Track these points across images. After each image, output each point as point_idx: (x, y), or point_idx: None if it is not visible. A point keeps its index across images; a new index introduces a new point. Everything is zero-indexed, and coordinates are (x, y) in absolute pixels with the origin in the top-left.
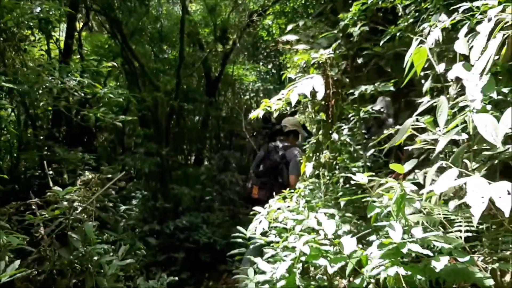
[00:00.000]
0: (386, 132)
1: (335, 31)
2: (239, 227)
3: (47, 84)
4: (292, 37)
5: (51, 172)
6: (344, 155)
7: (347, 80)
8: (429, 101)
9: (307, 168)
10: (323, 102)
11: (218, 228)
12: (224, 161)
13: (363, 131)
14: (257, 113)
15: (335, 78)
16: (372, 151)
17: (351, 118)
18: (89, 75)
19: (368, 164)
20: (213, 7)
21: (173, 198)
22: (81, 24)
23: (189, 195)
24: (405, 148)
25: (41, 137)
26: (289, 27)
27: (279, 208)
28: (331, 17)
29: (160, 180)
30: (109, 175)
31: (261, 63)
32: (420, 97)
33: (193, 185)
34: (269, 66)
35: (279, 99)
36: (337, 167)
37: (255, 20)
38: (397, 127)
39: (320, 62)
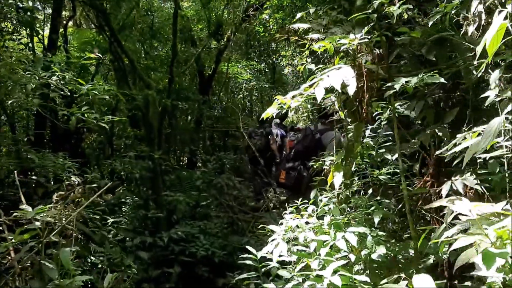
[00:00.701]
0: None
1: (369, 11)
2: (248, 247)
3: (23, 80)
4: (303, 25)
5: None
6: (367, 160)
7: (381, 71)
8: (498, 95)
9: (336, 179)
10: (353, 98)
11: (216, 238)
12: (220, 163)
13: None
14: (271, 111)
15: (368, 69)
16: (396, 155)
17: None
18: (76, 72)
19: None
20: (207, 0)
21: (166, 206)
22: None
23: (184, 202)
24: (437, 152)
25: (22, 141)
26: (298, 15)
27: (297, 226)
28: (344, 4)
29: (152, 186)
30: (94, 185)
31: (255, 61)
32: (467, 91)
33: (188, 190)
34: (262, 65)
35: (297, 96)
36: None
37: (251, 15)
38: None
39: (349, 49)
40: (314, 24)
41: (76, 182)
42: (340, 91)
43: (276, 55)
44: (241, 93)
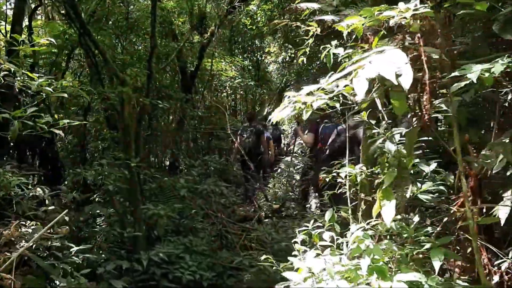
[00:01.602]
0: None
1: None
2: None
3: None
4: (311, 5)
5: None
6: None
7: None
8: None
9: (386, 211)
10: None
11: (204, 257)
12: (206, 168)
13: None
14: (285, 114)
15: (427, 52)
16: (433, 166)
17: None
18: (47, 70)
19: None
20: None
21: (146, 221)
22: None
23: (166, 216)
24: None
25: None
26: None
27: (324, 269)
28: None
29: (129, 198)
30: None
31: (240, 58)
32: None
33: (170, 201)
34: (246, 62)
35: (316, 92)
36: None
37: (237, 6)
38: None
39: (395, 26)
40: (323, 5)
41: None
42: (395, 82)
43: (260, 52)
44: (225, 91)
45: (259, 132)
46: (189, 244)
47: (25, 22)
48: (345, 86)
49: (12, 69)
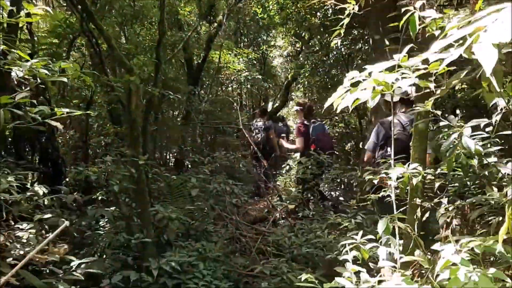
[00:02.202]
0: None
1: None
2: None
3: None
4: None
5: None
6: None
7: None
8: None
9: None
10: None
11: (218, 264)
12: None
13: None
14: (351, 100)
15: None
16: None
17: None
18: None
19: None
20: None
21: (154, 225)
22: None
23: (177, 220)
24: None
25: None
26: None
27: None
28: None
29: (136, 199)
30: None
31: (248, 50)
32: None
33: (179, 201)
34: (253, 55)
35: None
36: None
37: None
38: None
39: None
40: None
41: None
42: None
43: (266, 46)
44: (231, 85)
45: (268, 128)
46: (202, 250)
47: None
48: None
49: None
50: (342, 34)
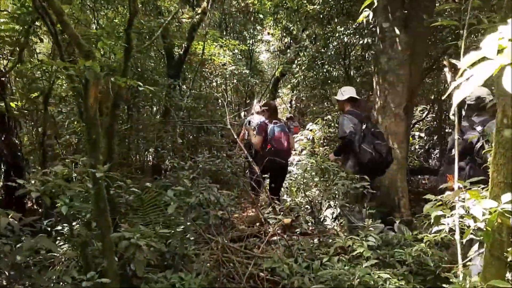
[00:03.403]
0: None
1: None
2: None
3: None
4: None
5: None
6: None
7: None
8: None
9: None
10: None
11: None
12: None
13: None
14: None
15: None
16: None
17: None
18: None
19: None
20: None
21: (119, 254)
22: None
23: (148, 248)
24: None
25: None
26: None
27: None
28: None
29: (97, 221)
30: None
31: (235, 41)
32: None
33: (153, 219)
34: (241, 45)
35: None
36: None
37: None
38: None
39: None
40: None
41: None
42: None
43: (253, 40)
44: (215, 80)
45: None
46: (179, 284)
47: None
48: None
49: None
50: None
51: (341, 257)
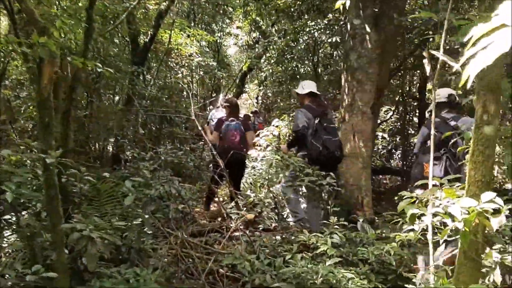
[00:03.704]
0: None
1: None
2: None
3: None
4: None
5: None
6: None
7: None
8: None
9: None
10: None
11: None
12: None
13: None
14: None
15: None
16: None
17: None
18: None
19: None
20: None
21: (69, 247)
22: None
23: (102, 240)
24: None
25: None
26: None
27: None
28: None
29: (47, 210)
30: None
31: (203, 31)
32: None
33: (108, 206)
34: (208, 36)
35: None
36: None
37: None
38: None
39: None
40: None
41: None
42: None
43: (221, 33)
44: (181, 70)
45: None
46: (133, 278)
47: None
48: None
49: None
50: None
51: (304, 255)
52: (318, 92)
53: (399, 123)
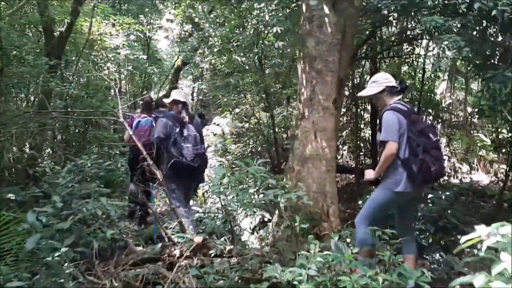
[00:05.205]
0: None
1: None
2: None
3: None
4: None
5: None
6: None
7: None
8: None
9: None
10: None
11: None
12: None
13: None
14: None
15: None
16: None
17: None
18: None
19: None
20: None
21: None
22: None
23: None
24: None
25: None
26: None
27: None
28: None
29: None
30: None
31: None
32: None
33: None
34: (137, 26)
35: None
36: None
37: None
38: None
39: None
40: None
41: None
42: None
43: (150, 26)
44: (107, 66)
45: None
46: None
47: None
48: None
49: None
50: None
51: None
52: (183, 100)
53: (347, 116)
